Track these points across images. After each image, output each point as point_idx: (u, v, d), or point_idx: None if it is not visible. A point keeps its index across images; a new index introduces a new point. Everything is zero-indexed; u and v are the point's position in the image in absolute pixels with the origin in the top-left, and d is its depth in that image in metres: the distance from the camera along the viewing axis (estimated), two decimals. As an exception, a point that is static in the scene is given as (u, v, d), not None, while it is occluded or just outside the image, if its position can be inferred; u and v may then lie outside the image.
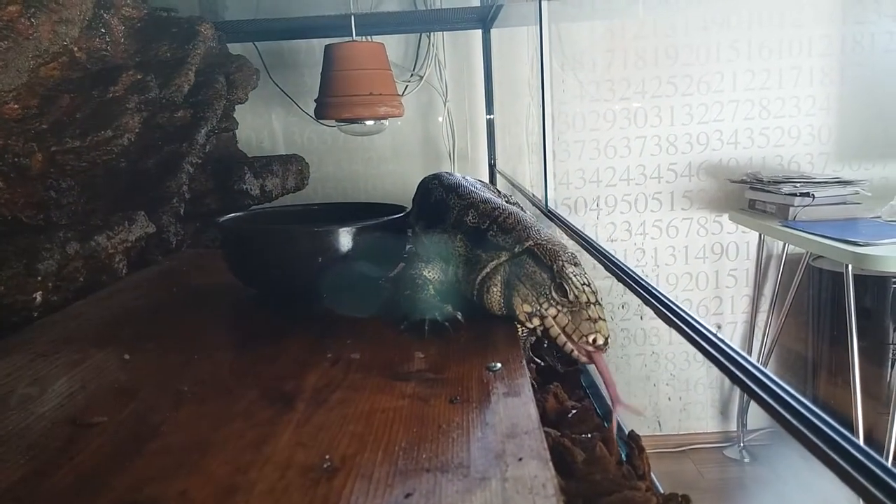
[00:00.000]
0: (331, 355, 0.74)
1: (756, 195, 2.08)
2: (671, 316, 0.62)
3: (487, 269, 0.82)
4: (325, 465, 0.51)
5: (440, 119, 2.19)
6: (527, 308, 0.76)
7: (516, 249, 0.81)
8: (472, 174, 1.58)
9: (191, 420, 0.61)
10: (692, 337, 0.58)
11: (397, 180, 2.23)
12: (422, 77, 2.13)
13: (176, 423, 0.60)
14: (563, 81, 2.14)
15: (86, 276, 1.04)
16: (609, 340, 0.72)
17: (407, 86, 2.12)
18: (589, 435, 0.81)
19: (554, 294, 0.74)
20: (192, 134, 1.53)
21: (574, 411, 0.90)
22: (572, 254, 0.81)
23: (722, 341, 0.55)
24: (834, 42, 2.14)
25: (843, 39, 2.14)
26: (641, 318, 2.24)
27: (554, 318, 0.74)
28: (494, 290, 0.81)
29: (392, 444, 0.54)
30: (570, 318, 0.73)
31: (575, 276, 0.74)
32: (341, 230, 0.89)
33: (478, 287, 0.83)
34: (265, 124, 2.19)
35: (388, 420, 0.58)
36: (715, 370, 2.03)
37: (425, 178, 1.07)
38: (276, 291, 0.97)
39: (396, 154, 2.22)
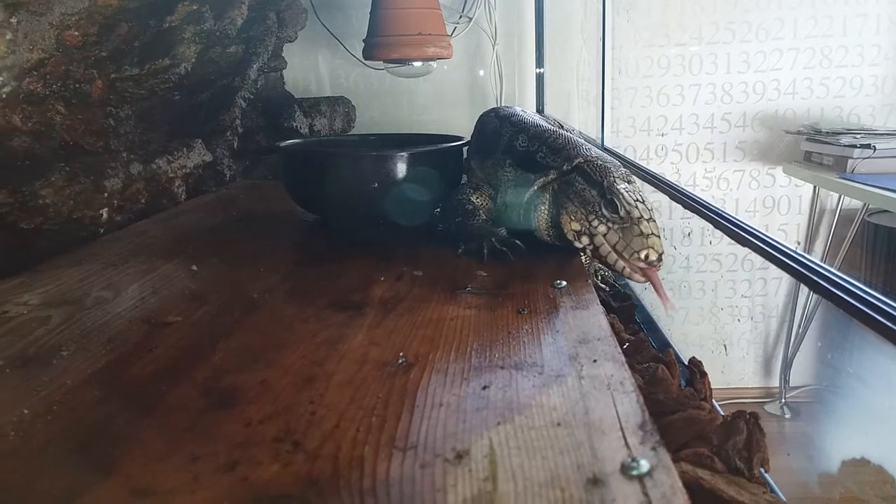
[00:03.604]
0: (394, 272, 0.75)
1: (813, 147, 2.01)
2: (745, 235, 0.61)
3: (534, 188, 0.79)
4: (399, 362, 0.52)
5: (488, 63, 2.15)
6: (575, 226, 0.73)
7: (565, 167, 0.77)
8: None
9: (263, 322, 0.62)
10: (769, 252, 0.56)
11: (443, 126, 2.20)
12: (471, 19, 2.08)
13: (249, 325, 0.61)
14: (627, 22, 2.08)
15: (147, 198, 1.06)
16: (663, 257, 0.68)
17: (455, 27, 2.08)
18: (646, 365, 0.81)
19: (604, 210, 0.70)
20: (244, 69, 1.54)
21: (628, 343, 0.90)
22: (626, 172, 0.76)
23: (801, 255, 0.54)
24: (905, -12, 2.03)
25: (915, -15, 2.03)
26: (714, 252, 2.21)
27: (604, 235, 0.70)
28: (542, 208, 0.78)
29: (463, 346, 0.54)
30: (620, 234, 0.69)
31: (627, 192, 0.70)
32: (404, 154, 0.88)
33: (524, 208, 0.80)
34: (312, 66, 2.18)
35: (457, 326, 0.59)
36: (760, 325, 1.98)
37: (483, 113, 1.05)
38: (336, 216, 0.97)
39: (442, 99, 2.19)
